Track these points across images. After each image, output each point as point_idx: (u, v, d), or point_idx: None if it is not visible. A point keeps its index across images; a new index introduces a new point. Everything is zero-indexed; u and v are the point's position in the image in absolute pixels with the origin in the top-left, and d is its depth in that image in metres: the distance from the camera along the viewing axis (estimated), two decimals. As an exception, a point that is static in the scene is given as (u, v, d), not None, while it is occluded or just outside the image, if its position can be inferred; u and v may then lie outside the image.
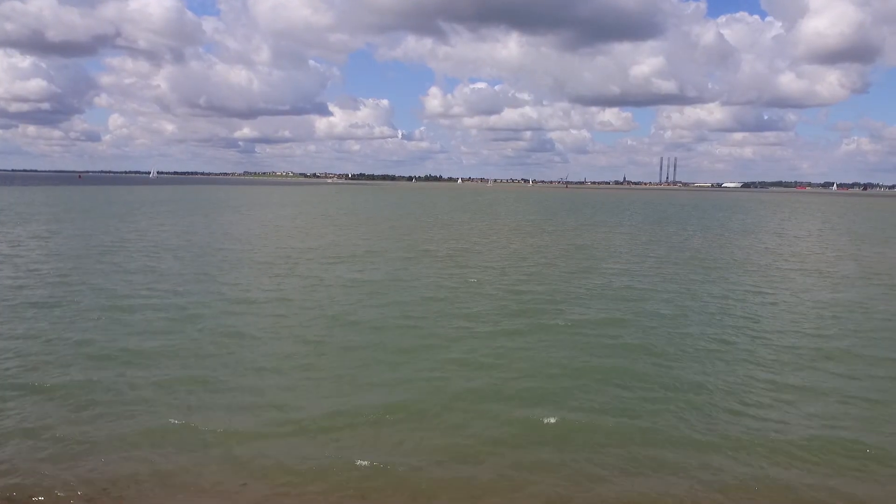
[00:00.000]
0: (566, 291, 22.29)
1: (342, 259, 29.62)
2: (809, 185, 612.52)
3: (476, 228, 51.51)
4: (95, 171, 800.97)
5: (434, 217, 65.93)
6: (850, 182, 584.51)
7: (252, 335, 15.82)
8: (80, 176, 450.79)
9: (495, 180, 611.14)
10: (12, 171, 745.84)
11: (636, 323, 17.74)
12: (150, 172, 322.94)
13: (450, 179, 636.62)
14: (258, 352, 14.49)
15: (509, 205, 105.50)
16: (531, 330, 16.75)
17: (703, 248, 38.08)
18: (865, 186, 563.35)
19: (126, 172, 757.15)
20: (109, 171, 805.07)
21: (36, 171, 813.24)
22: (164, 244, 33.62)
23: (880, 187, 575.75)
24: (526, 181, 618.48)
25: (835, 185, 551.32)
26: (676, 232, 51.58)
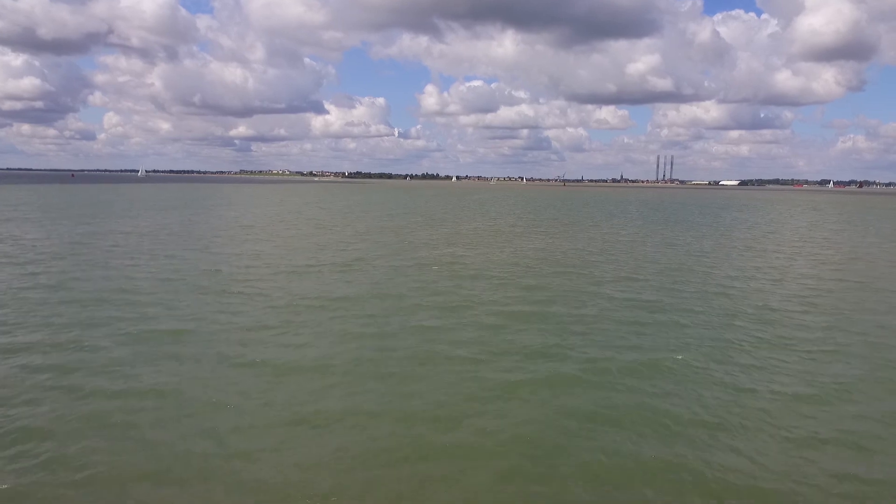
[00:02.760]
0: (566, 302, 19.71)
1: (310, 270, 27.13)
2: (806, 182, 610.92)
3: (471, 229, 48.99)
4: (91, 170, 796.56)
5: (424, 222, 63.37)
6: (847, 179, 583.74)
7: (171, 363, 13.17)
8: (72, 175, 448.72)
9: (497, 178, 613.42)
10: (7, 169, 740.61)
11: (649, 353, 15.13)
12: (138, 171, 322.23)
13: (446, 177, 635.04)
14: (185, 393, 11.76)
15: (509, 205, 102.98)
16: (526, 360, 14.04)
17: (720, 256, 35.60)
18: (861, 184, 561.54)
19: (122, 171, 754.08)
20: (105, 170, 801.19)
21: (31, 170, 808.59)
22: (121, 246, 31.12)
23: (876, 184, 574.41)
24: (520, 178, 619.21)
25: (831, 182, 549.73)
26: (687, 234, 49.14)
